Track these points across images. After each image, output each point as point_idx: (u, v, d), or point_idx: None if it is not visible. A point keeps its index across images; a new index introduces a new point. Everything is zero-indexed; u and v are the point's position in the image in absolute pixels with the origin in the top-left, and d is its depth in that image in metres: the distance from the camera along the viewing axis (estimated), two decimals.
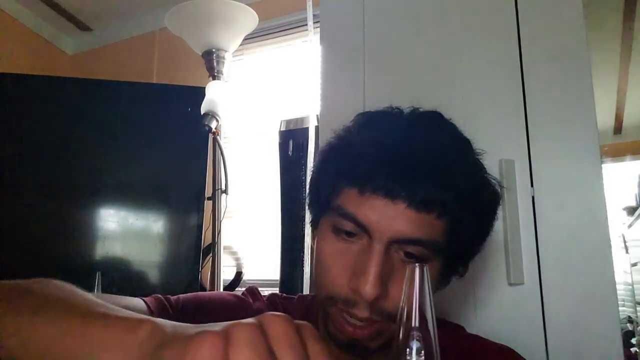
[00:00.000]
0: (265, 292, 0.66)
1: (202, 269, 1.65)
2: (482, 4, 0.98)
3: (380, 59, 1.03)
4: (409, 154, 0.47)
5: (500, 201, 0.55)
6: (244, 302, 0.60)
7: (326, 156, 0.54)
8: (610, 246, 0.82)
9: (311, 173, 0.56)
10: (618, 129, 3.34)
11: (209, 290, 1.57)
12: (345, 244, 0.49)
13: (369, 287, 0.44)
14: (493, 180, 0.54)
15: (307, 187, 0.57)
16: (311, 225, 0.57)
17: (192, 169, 1.72)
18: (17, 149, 1.69)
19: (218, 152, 1.68)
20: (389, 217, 0.46)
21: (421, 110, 0.54)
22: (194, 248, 1.65)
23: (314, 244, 0.53)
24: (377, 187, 0.46)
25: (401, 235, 0.46)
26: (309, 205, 0.57)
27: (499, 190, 0.55)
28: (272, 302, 0.62)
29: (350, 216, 0.48)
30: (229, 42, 1.73)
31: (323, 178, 0.54)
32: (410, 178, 0.46)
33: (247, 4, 1.70)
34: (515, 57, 0.93)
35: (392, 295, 0.46)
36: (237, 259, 1.93)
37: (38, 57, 2.47)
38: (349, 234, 0.48)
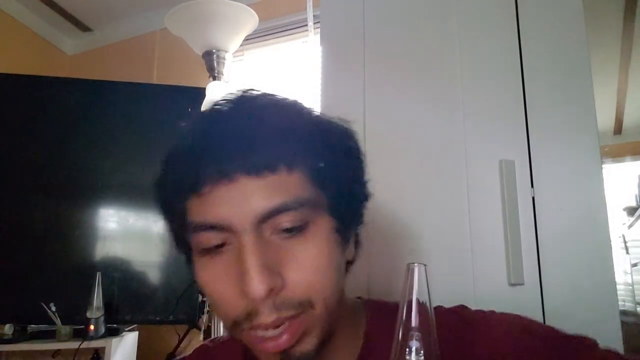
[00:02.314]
0: None
1: None
2: (482, 4, 0.99)
3: (380, 59, 1.03)
4: (223, 130, 0.42)
5: (356, 136, 0.49)
6: None
7: (157, 190, 0.47)
8: (610, 246, 0.82)
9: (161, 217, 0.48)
10: (618, 129, 3.34)
11: None
12: (218, 259, 0.42)
13: (255, 284, 0.38)
14: (336, 121, 0.49)
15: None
16: (187, 264, 0.48)
17: None
18: (17, 149, 1.69)
19: None
20: (238, 199, 0.40)
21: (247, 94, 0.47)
22: None
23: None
24: (208, 178, 0.40)
25: (261, 210, 0.40)
26: (176, 247, 0.49)
27: (348, 126, 0.49)
28: (198, 356, 0.57)
29: (203, 224, 0.41)
30: (229, 42, 1.73)
31: (167, 211, 0.47)
32: (234, 148, 0.40)
33: (247, 4, 1.71)
34: (515, 57, 0.93)
35: (291, 280, 0.40)
36: None
37: (38, 57, 2.47)
38: (216, 248, 0.42)
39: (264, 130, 0.41)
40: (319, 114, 0.48)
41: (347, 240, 0.47)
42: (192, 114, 0.44)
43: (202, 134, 0.42)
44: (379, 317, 0.52)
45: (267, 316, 0.40)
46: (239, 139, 0.40)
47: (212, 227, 0.41)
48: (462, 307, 0.52)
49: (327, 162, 0.44)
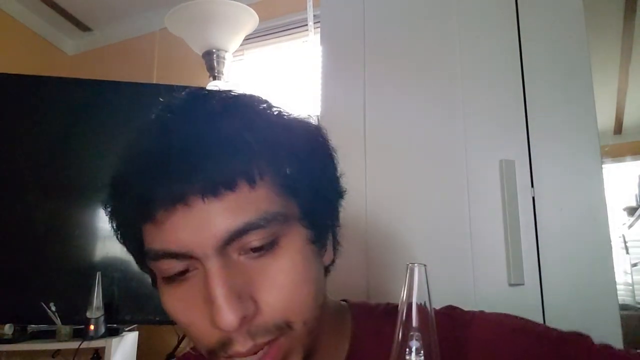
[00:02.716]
0: None
1: None
2: (482, 4, 0.99)
3: (380, 59, 1.03)
4: (170, 146, 0.36)
5: (323, 131, 0.46)
6: None
7: (108, 215, 0.42)
8: (610, 246, 0.82)
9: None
10: (618, 129, 3.34)
11: None
12: (184, 286, 0.39)
13: (224, 316, 0.35)
14: (300, 117, 0.45)
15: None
16: (153, 287, 0.45)
17: None
18: (17, 149, 1.69)
19: None
20: (196, 224, 0.36)
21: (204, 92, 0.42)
22: None
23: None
24: (159, 204, 0.36)
25: (224, 234, 0.36)
26: (140, 269, 0.46)
27: (313, 121, 0.46)
28: None
29: (162, 253, 0.38)
30: (229, 42, 1.73)
31: (121, 236, 0.43)
32: (184, 168, 0.36)
33: (247, 4, 1.71)
34: (515, 58, 0.93)
35: (266, 303, 0.37)
36: None
37: (38, 57, 2.47)
38: (180, 274, 0.39)
39: (217, 142, 0.36)
40: (279, 110, 0.43)
41: (323, 246, 0.44)
42: (136, 126, 0.42)
43: (148, 152, 0.37)
44: (365, 320, 0.50)
45: (242, 344, 0.37)
46: (190, 156, 0.36)
47: (172, 256, 0.37)
48: (452, 308, 0.51)
49: (293, 167, 0.39)
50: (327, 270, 0.47)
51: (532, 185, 0.88)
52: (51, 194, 1.65)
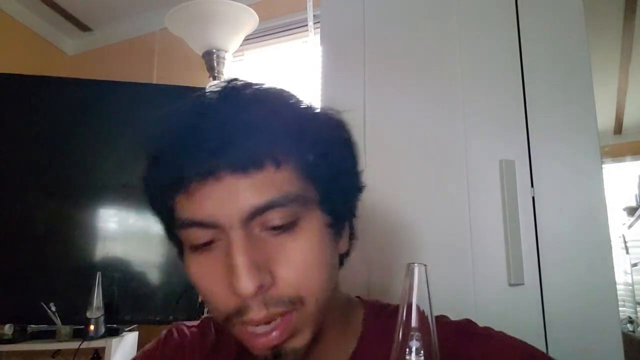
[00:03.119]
0: None
1: None
2: (482, 4, 0.99)
3: (380, 59, 1.03)
4: (206, 127, 0.40)
5: (347, 126, 0.48)
6: (173, 344, 0.59)
7: (144, 188, 0.46)
8: (610, 246, 0.82)
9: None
10: (618, 129, 3.34)
11: None
12: (208, 255, 0.42)
13: (243, 282, 0.38)
14: (326, 111, 0.48)
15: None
16: (179, 257, 0.48)
17: None
18: (17, 149, 1.69)
19: None
20: (225, 197, 0.39)
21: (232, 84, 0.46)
22: None
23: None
24: (193, 177, 0.40)
25: (249, 208, 0.39)
26: (168, 241, 0.49)
27: (338, 116, 0.48)
28: (204, 328, 0.58)
29: (190, 221, 0.41)
30: (229, 42, 1.73)
31: (155, 207, 0.46)
32: (218, 146, 0.39)
33: (247, 4, 1.71)
34: (515, 58, 0.93)
35: (281, 277, 0.40)
36: None
37: (38, 57, 2.47)
38: (206, 245, 0.42)
39: (249, 125, 0.40)
40: (307, 103, 0.46)
41: (340, 234, 0.46)
42: (174, 107, 0.44)
43: (185, 131, 0.41)
44: (376, 317, 0.51)
45: (257, 312, 0.40)
46: (223, 135, 0.39)
47: (200, 225, 0.41)
48: (469, 321, 0.51)
49: (316, 155, 0.43)
50: (341, 259, 0.49)
51: (532, 185, 0.88)
52: (51, 194, 1.65)
